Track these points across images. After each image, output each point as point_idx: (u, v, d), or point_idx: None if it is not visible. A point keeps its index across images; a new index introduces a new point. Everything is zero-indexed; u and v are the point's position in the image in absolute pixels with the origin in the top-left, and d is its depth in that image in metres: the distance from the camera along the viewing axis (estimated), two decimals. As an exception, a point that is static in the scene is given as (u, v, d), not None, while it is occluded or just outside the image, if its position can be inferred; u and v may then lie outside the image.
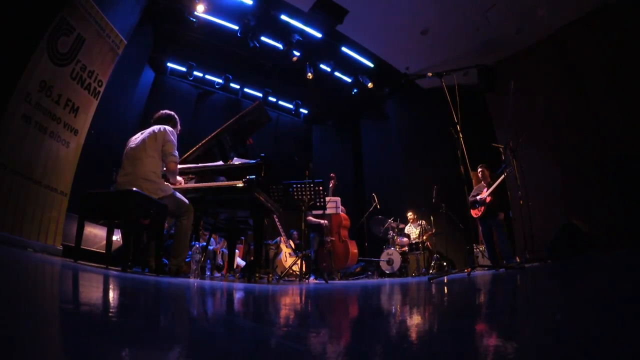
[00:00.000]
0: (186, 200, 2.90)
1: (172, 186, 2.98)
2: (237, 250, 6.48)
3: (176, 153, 2.88)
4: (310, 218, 5.38)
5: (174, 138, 2.89)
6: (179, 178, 3.06)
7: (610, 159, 4.75)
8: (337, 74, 7.39)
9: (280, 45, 6.50)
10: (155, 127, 2.89)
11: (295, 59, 6.80)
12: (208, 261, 4.64)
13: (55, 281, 1.48)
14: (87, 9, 3.25)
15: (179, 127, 3.18)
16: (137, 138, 2.87)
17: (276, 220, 5.64)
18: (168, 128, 2.90)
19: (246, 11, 5.89)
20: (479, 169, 5.07)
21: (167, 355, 0.57)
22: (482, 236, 5.18)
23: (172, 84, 7.28)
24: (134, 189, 2.50)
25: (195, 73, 7.31)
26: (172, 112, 3.15)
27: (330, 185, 5.65)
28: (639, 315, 0.83)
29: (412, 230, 6.50)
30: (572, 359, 0.55)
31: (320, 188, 4.26)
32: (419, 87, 7.39)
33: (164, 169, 2.91)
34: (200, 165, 3.43)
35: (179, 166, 3.08)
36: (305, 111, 9.17)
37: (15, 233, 2.68)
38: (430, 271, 5.62)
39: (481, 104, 6.67)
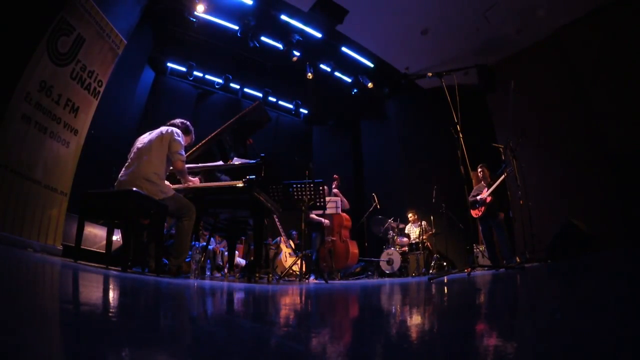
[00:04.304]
0: (188, 202, 2.91)
1: (173, 187, 3.00)
2: (236, 252, 6.50)
3: (182, 152, 2.91)
4: (313, 216, 5.38)
5: (180, 139, 2.92)
6: (191, 177, 3.07)
7: (610, 158, 4.76)
8: (337, 74, 7.38)
9: (280, 45, 6.50)
10: (164, 129, 2.94)
11: (295, 59, 6.79)
12: (208, 261, 4.63)
13: (55, 281, 1.48)
14: (87, 9, 3.25)
15: (192, 137, 3.23)
16: (145, 138, 2.92)
17: (276, 220, 5.64)
18: (175, 130, 2.94)
19: (246, 11, 5.89)
20: (479, 169, 5.06)
21: (167, 356, 0.57)
22: (482, 236, 5.18)
23: (172, 84, 7.28)
24: (134, 189, 2.50)
25: (195, 73, 7.30)
26: (186, 121, 3.19)
27: (334, 186, 5.66)
28: (638, 314, 0.83)
29: (413, 230, 6.49)
30: (572, 359, 0.55)
31: (321, 188, 4.26)
32: (419, 87, 7.39)
33: (171, 168, 2.94)
34: (200, 165, 3.43)
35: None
36: (305, 111, 9.16)
37: (15, 233, 2.68)
38: (430, 271, 5.62)
39: (481, 104, 6.67)
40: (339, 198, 5.50)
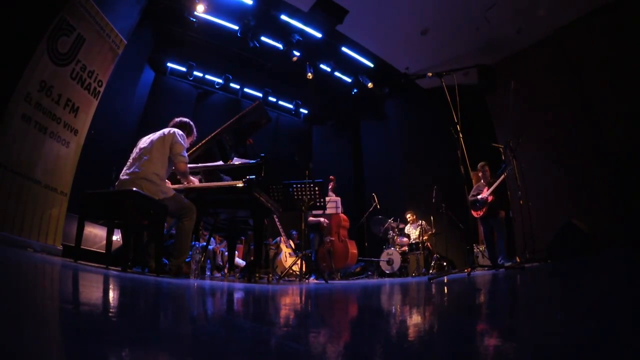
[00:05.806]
0: (188, 202, 2.91)
1: (173, 187, 3.00)
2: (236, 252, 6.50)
3: (185, 154, 2.92)
4: (311, 218, 5.39)
5: (182, 141, 2.93)
6: (191, 177, 3.09)
7: (611, 158, 4.75)
8: (337, 74, 7.38)
9: (280, 45, 6.50)
10: (166, 130, 2.95)
11: (295, 59, 6.79)
12: (208, 261, 4.63)
13: (55, 281, 1.48)
14: (87, 9, 3.25)
15: (194, 135, 3.24)
16: (147, 138, 2.94)
17: (276, 220, 5.64)
18: (178, 131, 2.95)
19: (246, 11, 5.89)
20: (480, 167, 5.05)
21: (167, 356, 0.57)
22: (483, 236, 5.18)
23: (172, 84, 7.28)
24: (134, 189, 2.50)
25: (195, 73, 7.30)
26: (188, 120, 3.20)
27: (330, 187, 5.67)
28: (638, 315, 0.83)
29: (412, 231, 6.49)
30: (572, 359, 0.55)
31: (318, 188, 4.26)
32: (419, 87, 7.39)
33: (173, 169, 2.95)
34: (200, 165, 3.43)
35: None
36: (305, 111, 9.16)
37: (15, 233, 2.68)
38: (430, 271, 5.62)
39: (481, 104, 6.67)
40: (339, 198, 5.51)
